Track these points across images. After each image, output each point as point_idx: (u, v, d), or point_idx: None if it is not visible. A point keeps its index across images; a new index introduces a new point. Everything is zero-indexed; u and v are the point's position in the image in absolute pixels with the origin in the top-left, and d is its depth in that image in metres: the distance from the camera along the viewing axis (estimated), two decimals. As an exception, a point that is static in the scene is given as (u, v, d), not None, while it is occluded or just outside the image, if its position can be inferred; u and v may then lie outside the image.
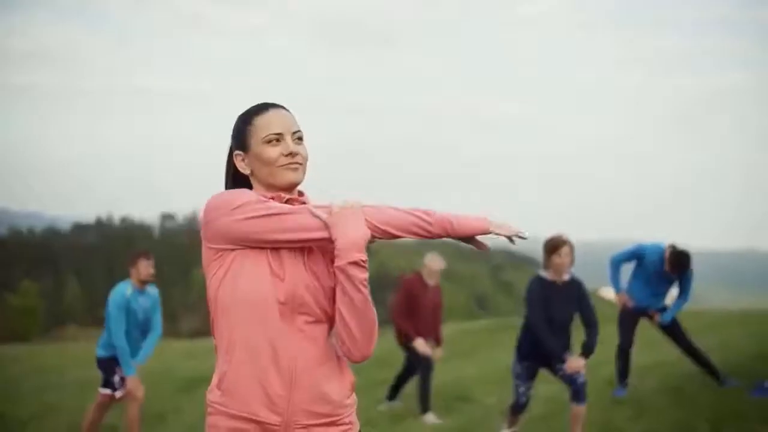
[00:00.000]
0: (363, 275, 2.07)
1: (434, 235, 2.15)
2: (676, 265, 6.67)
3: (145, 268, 6.18)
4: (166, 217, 69.66)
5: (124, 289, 6.14)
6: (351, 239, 2.06)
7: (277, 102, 2.26)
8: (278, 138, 2.16)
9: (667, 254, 6.71)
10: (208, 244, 2.14)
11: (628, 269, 7.07)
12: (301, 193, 2.24)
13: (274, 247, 2.10)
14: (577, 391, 5.33)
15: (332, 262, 2.15)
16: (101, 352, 6.27)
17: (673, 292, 7.08)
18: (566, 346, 5.42)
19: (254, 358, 2.08)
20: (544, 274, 5.46)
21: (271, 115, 2.19)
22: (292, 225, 2.07)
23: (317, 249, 2.17)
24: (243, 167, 2.21)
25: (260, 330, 2.08)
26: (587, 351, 5.38)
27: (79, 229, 69.21)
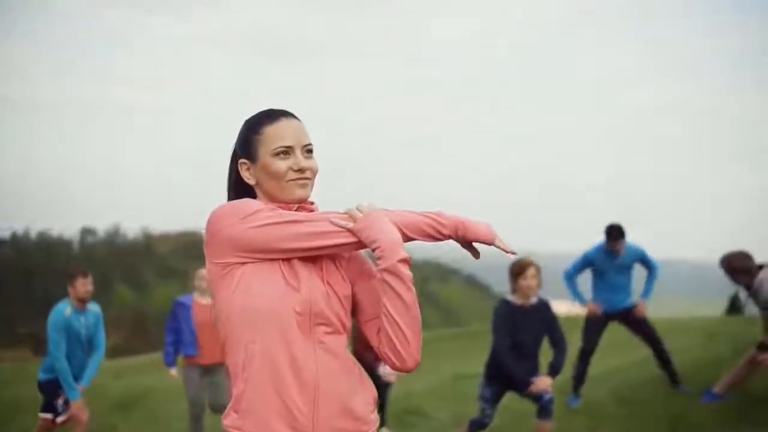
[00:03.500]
0: (410, 273, 1.98)
1: (444, 237, 2.08)
2: (612, 235, 6.81)
3: (82, 285, 5.95)
4: (87, 231, 67.72)
5: (62, 310, 5.87)
6: (393, 238, 1.96)
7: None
8: (288, 151, 2.05)
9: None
10: (214, 260, 2.00)
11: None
12: (310, 202, 2.12)
13: (293, 256, 1.98)
14: (543, 407, 5.27)
15: (348, 270, 2.08)
16: (42, 375, 5.99)
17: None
18: (534, 370, 5.34)
19: (274, 373, 1.94)
20: (510, 297, 5.37)
21: (282, 125, 2.07)
22: (311, 232, 1.97)
23: (329, 258, 2.07)
24: (248, 177, 2.10)
25: (279, 343, 1.95)
26: (554, 371, 5.32)
27: (-7, 244, 66.64)
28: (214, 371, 6.88)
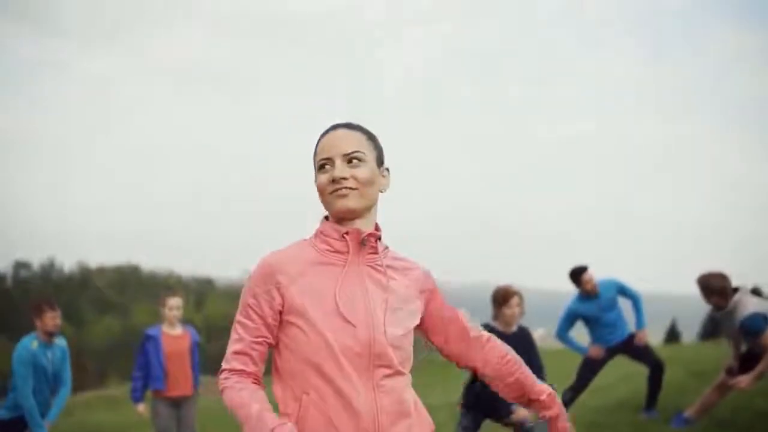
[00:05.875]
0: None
1: None
2: (576, 278, 6.92)
3: (50, 319, 5.74)
4: (21, 265, 65.72)
5: (28, 344, 5.69)
6: None
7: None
8: (327, 163, 1.95)
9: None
10: None
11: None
12: (376, 233, 2.01)
13: None
14: None
15: (428, 301, 2.07)
16: (5, 414, 5.75)
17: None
18: None
19: (332, 421, 1.82)
20: (493, 324, 5.41)
21: (326, 138, 1.98)
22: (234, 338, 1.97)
23: (397, 280, 1.99)
24: None
25: (336, 389, 1.83)
26: None
27: None
28: (182, 403, 6.72)
